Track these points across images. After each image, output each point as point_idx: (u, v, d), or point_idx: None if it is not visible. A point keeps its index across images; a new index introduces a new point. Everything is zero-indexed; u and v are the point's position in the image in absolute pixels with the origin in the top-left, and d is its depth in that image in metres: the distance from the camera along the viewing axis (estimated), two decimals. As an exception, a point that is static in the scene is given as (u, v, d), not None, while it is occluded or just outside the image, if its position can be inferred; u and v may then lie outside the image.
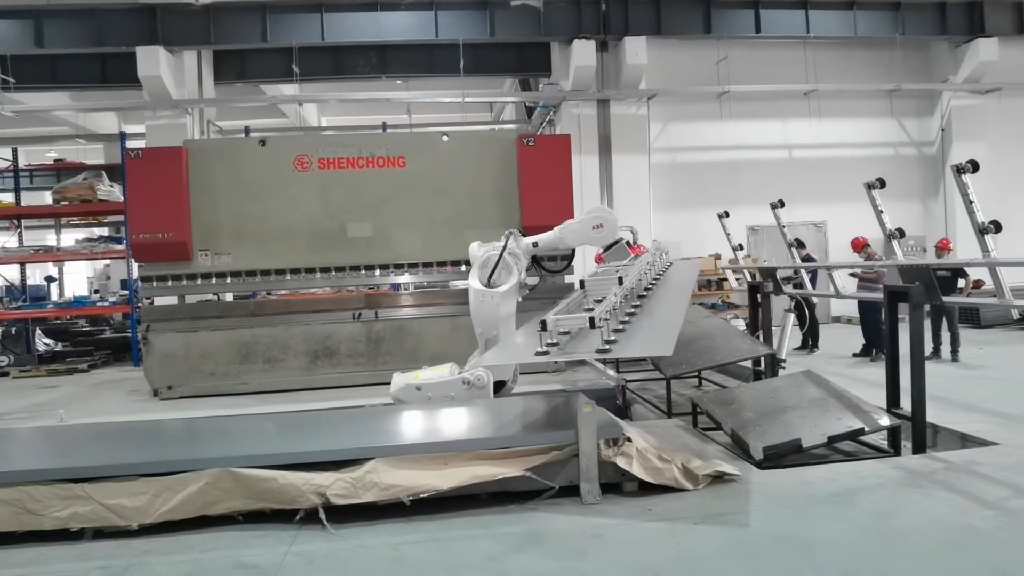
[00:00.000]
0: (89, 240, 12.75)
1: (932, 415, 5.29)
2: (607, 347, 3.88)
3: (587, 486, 3.88)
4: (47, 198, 13.17)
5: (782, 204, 7.44)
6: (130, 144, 11.47)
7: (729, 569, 3.01)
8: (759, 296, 7.33)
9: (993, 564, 2.95)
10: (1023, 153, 14.56)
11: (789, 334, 7.40)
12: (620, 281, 4.76)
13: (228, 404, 7.25)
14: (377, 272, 8.41)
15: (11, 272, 13.25)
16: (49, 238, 16.22)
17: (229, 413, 6.50)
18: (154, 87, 11.61)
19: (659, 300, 5.08)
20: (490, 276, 5.31)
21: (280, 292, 11.40)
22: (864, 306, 9.57)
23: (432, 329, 8.37)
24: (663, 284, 5.63)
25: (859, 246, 9.51)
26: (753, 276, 8.15)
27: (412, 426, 4.60)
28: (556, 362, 8.20)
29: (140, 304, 10.12)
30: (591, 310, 3.94)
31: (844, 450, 5.08)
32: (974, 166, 4.61)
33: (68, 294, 15.11)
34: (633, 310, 4.56)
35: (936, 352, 9.05)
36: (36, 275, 16.85)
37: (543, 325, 3.94)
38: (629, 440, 4.01)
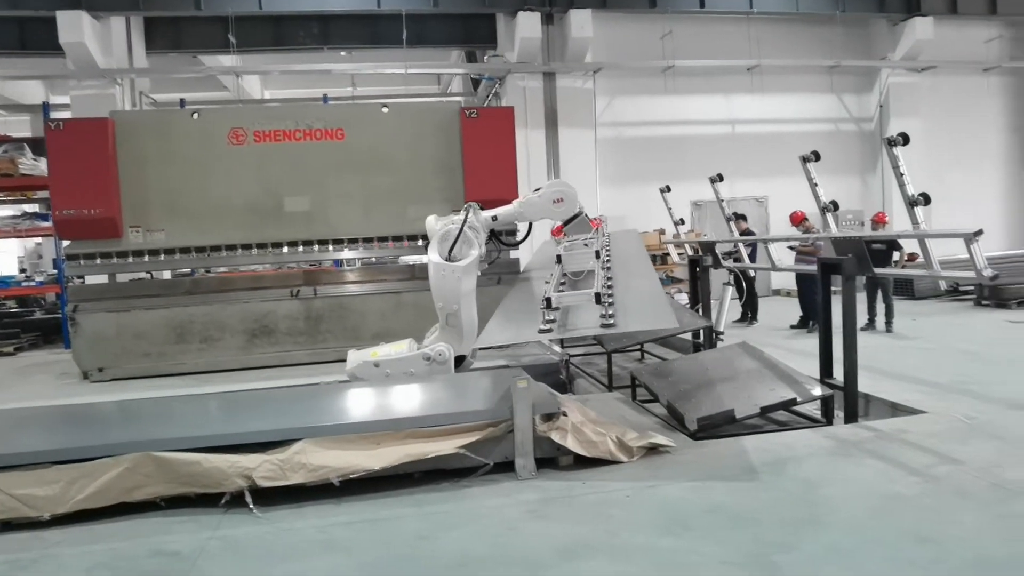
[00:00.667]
0: (14, 217, 12.06)
1: (864, 385, 5.44)
2: (611, 322, 3.95)
3: (522, 461, 3.86)
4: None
5: (721, 178, 7.51)
6: (56, 115, 10.85)
7: (661, 541, 3.03)
8: (698, 270, 7.42)
9: (917, 530, 3.02)
10: (955, 129, 15.10)
11: (728, 307, 7.52)
12: (597, 255, 4.89)
13: (163, 385, 7.02)
14: (316, 248, 8.18)
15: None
16: (-30, 215, 15.28)
17: (161, 395, 6.28)
18: (78, 55, 10.96)
19: (628, 273, 5.10)
20: (450, 250, 5.22)
21: (220, 269, 11.03)
22: (801, 278, 9.80)
23: (374, 306, 8.23)
24: (617, 255, 5.65)
25: (797, 220, 9.70)
26: (696, 250, 8.25)
27: (343, 405, 4.48)
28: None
29: (71, 283, 9.67)
30: (564, 285, 3.86)
31: (778, 420, 5.19)
32: (905, 138, 4.69)
33: (-6, 274, 14.34)
34: (609, 283, 4.61)
35: (871, 323, 9.35)
36: (-42, 254, 15.93)
37: (547, 303, 3.98)
38: (565, 414, 4.00)
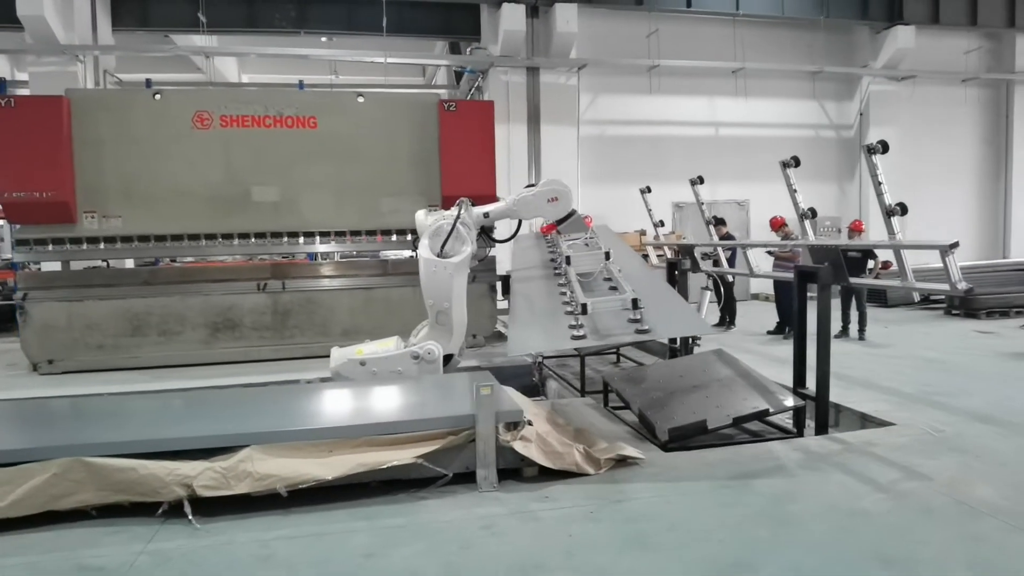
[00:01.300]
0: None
1: (836, 394, 5.35)
2: (646, 328, 3.98)
3: (483, 472, 3.67)
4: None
5: (701, 181, 7.39)
6: (18, 93, 10.40)
7: (620, 561, 2.87)
8: (676, 273, 7.28)
9: (882, 551, 2.93)
10: (932, 139, 15.19)
11: (705, 311, 7.40)
12: (607, 256, 4.95)
13: (116, 380, 6.72)
14: (285, 240, 7.92)
15: None
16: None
17: (111, 390, 5.99)
18: (37, 28, 10.48)
19: (632, 275, 5.02)
20: (442, 246, 5.03)
21: (187, 259, 10.68)
22: (779, 284, 9.74)
23: (344, 302, 8.00)
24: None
25: (777, 225, 9.64)
26: (676, 252, 8.13)
27: (295, 409, 4.24)
28: (475, 336, 8.03)
29: (27, 269, 9.28)
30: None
31: (751, 430, 5.08)
32: (884, 146, 4.58)
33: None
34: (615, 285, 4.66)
35: (844, 331, 9.31)
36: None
37: (583, 308, 3.98)
38: (530, 423, 3.82)
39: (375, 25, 12.10)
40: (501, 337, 8.66)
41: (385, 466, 3.50)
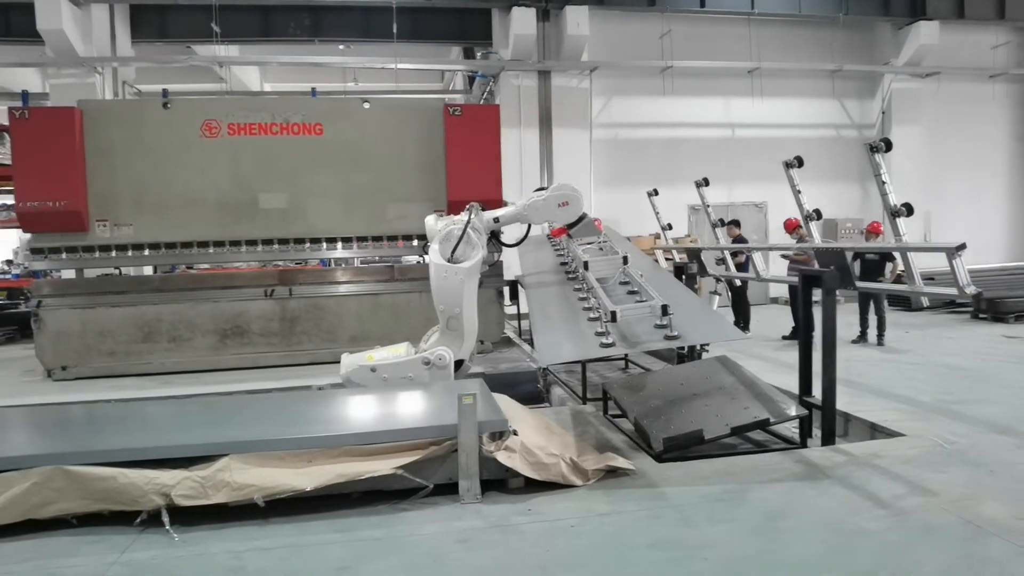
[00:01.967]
0: (-1, 207, 11.88)
1: (847, 402, 5.18)
2: (675, 334, 3.97)
3: (466, 484, 3.60)
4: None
5: (706, 183, 7.26)
6: (40, 105, 10.64)
7: (596, 580, 2.77)
8: (683, 277, 7.15)
9: (871, 572, 2.77)
10: (959, 137, 14.76)
11: (714, 316, 7.24)
12: (625, 260, 4.93)
13: (127, 386, 6.81)
14: (292, 247, 7.96)
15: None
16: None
17: (120, 396, 6.05)
18: (57, 42, 10.73)
19: (651, 280, 4.96)
20: (452, 251, 5.00)
21: (202, 266, 10.80)
22: (794, 288, 9.50)
23: (351, 308, 7.99)
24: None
25: (791, 227, 9.42)
26: (690, 255, 8.00)
27: (276, 418, 4.20)
28: (482, 342, 7.96)
29: (48, 277, 9.44)
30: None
31: (754, 439, 4.93)
32: (887, 144, 4.43)
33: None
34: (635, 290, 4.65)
35: (863, 336, 9.06)
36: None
37: (612, 316, 3.96)
38: (515, 433, 3.74)
39: (390, 32, 12.16)
40: (509, 343, 8.60)
41: (364, 477, 3.45)
